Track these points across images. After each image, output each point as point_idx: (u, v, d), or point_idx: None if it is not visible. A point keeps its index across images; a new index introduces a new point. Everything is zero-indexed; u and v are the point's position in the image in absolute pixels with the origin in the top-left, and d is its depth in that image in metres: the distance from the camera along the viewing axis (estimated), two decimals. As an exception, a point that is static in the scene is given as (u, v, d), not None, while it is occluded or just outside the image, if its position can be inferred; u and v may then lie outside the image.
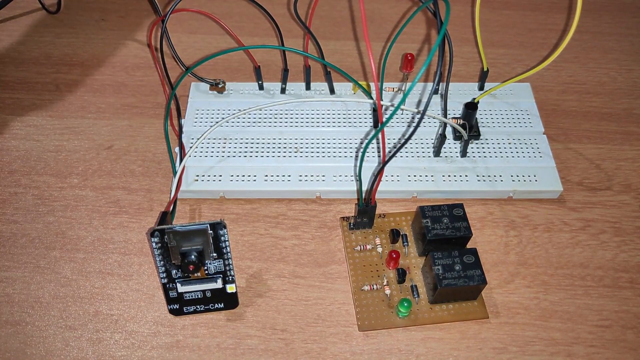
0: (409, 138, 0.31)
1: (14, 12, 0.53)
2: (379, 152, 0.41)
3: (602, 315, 0.35)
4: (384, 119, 0.30)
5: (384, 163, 0.32)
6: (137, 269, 0.37)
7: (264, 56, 0.49)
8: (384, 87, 0.43)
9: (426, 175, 0.40)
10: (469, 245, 0.36)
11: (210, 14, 0.41)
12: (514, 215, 0.39)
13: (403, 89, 0.44)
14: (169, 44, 0.43)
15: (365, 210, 0.36)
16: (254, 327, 0.34)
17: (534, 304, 0.35)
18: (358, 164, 0.33)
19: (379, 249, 0.37)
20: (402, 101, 0.29)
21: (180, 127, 0.42)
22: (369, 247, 0.37)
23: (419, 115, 0.42)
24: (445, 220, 0.35)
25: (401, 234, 0.37)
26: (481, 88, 0.45)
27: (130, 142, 0.43)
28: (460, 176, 0.40)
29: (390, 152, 0.41)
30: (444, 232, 0.35)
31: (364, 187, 0.38)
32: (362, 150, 0.36)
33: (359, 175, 0.34)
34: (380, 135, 0.31)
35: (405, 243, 0.37)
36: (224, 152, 0.41)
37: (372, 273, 0.36)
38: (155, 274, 0.36)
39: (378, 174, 0.33)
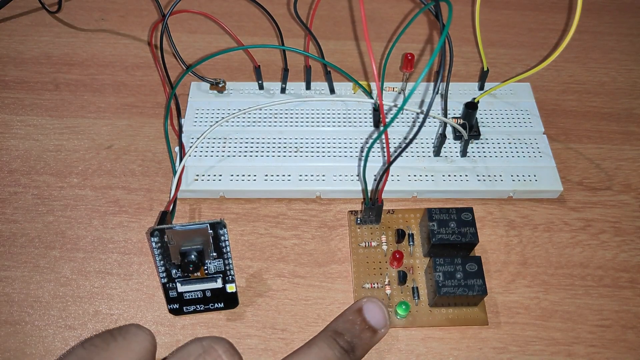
0: (414, 138, 0.31)
1: (14, 11, 0.53)
2: (379, 152, 0.41)
3: (603, 315, 0.35)
4: (387, 120, 0.30)
5: (389, 163, 0.31)
6: (137, 268, 0.37)
7: (264, 56, 0.49)
8: (384, 87, 0.43)
9: (426, 175, 0.40)
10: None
11: (210, 15, 0.41)
12: (514, 215, 0.39)
13: (403, 88, 0.44)
14: (170, 43, 0.43)
15: (372, 209, 0.36)
16: (254, 326, 0.34)
17: (534, 303, 0.35)
18: (362, 164, 0.33)
19: (384, 247, 0.36)
20: (404, 103, 0.29)
21: (180, 126, 0.42)
22: (374, 243, 0.37)
23: (421, 116, 0.42)
24: (452, 225, 0.34)
25: (407, 233, 0.37)
26: (481, 88, 0.45)
27: (130, 142, 0.43)
28: (460, 176, 0.40)
29: (393, 152, 0.41)
30: (448, 237, 0.34)
31: (368, 187, 0.38)
32: (366, 149, 0.35)
33: (363, 176, 0.34)
34: (383, 136, 0.30)
35: (411, 242, 0.37)
36: (224, 151, 0.41)
37: (374, 271, 0.36)
38: (155, 273, 0.36)
39: (383, 174, 0.32)
